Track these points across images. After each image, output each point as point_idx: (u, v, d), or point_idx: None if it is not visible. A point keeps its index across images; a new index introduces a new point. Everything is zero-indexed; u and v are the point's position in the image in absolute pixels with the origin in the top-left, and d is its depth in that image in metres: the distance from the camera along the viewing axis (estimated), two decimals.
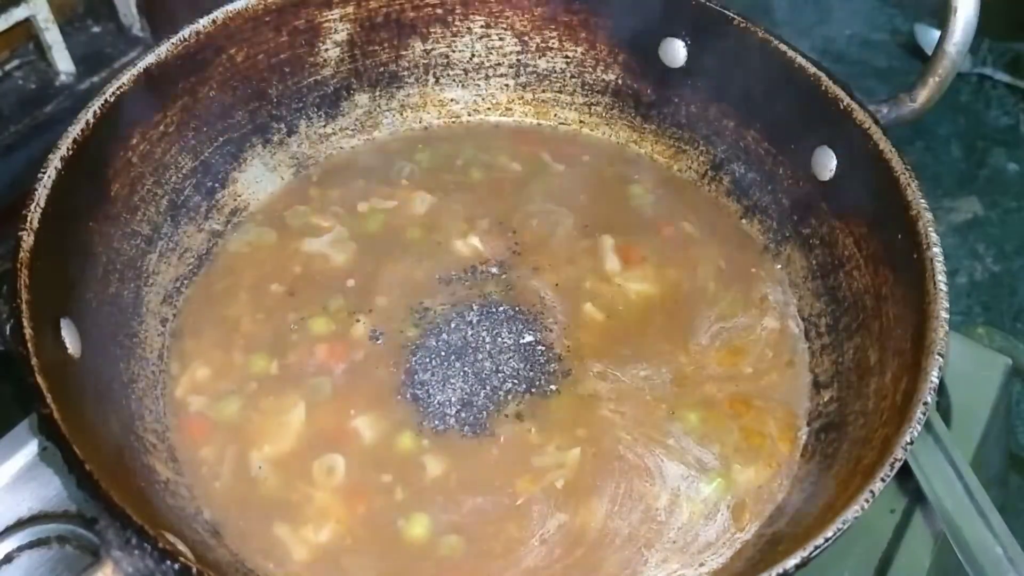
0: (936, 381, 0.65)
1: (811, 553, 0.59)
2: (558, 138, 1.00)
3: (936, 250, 0.71)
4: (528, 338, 0.82)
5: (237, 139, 0.91)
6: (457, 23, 0.97)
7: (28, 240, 0.68)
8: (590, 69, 0.99)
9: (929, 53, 0.81)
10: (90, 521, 0.74)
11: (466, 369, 0.79)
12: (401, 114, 1.00)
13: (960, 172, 1.77)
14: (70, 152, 0.73)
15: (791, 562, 0.58)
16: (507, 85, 1.00)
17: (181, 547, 0.60)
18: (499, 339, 0.81)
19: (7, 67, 1.06)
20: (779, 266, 0.89)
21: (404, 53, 0.97)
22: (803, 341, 0.84)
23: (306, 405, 0.78)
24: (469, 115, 1.01)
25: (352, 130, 0.98)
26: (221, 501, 0.73)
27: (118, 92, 0.78)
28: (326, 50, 0.94)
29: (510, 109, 1.01)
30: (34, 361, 0.62)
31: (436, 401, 0.77)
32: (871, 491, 0.61)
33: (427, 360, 0.80)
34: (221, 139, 0.90)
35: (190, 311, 0.84)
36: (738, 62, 0.88)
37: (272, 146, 0.94)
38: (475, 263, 0.88)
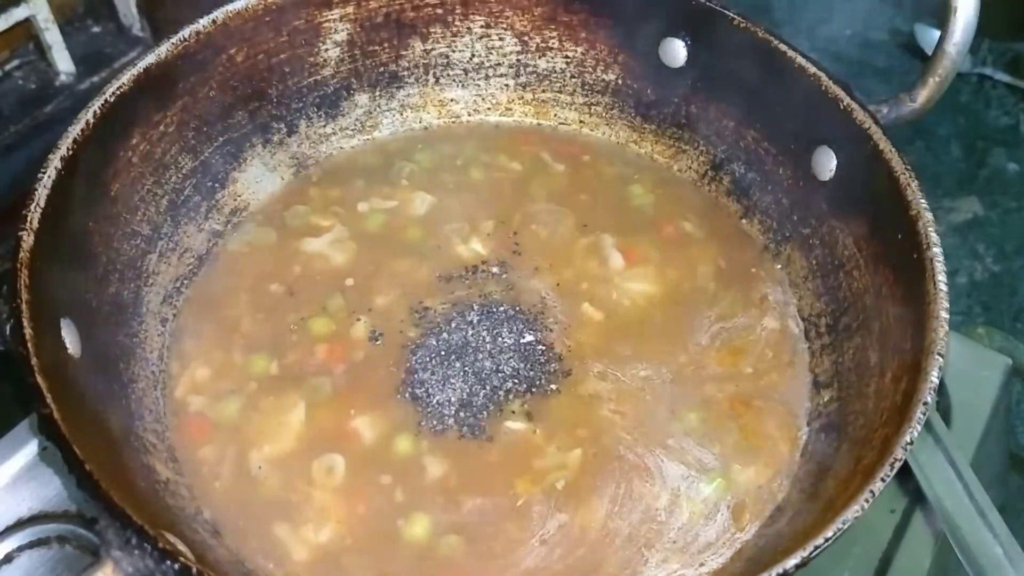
0: (936, 381, 0.65)
1: (811, 553, 0.59)
2: (558, 138, 1.00)
3: (936, 250, 0.71)
4: (528, 338, 0.82)
5: (237, 139, 0.91)
6: (457, 23, 0.97)
7: (28, 240, 0.68)
8: (590, 69, 0.99)
9: (929, 53, 0.81)
10: (90, 521, 0.74)
11: (466, 369, 0.79)
12: (401, 114, 1.00)
13: (960, 172, 1.77)
14: (70, 152, 0.73)
15: (791, 562, 0.58)
16: (507, 85, 1.00)
17: (181, 547, 0.60)
18: (499, 339, 0.81)
19: (7, 67, 1.06)
20: (779, 266, 0.89)
21: (404, 53, 0.97)
22: (803, 341, 0.84)
23: (306, 405, 0.78)
24: (469, 115, 1.01)
25: (352, 130, 0.98)
26: (221, 501, 0.73)
27: (118, 92, 0.78)
28: (326, 50, 0.94)
29: (510, 109, 1.01)
30: (34, 361, 0.62)
31: (436, 400, 0.77)
32: (871, 491, 0.61)
33: (427, 360, 0.80)
34: (221, 139, 0.90)
35: (190, 311, 0.84)
36: (738, 62, 0.88)
37: (272, 146, 0.94)
38: (475, 263, 0.88)
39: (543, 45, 0.98)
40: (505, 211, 0.92)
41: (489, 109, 1.01)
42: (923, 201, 0.74)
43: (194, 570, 0.56)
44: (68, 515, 0.76)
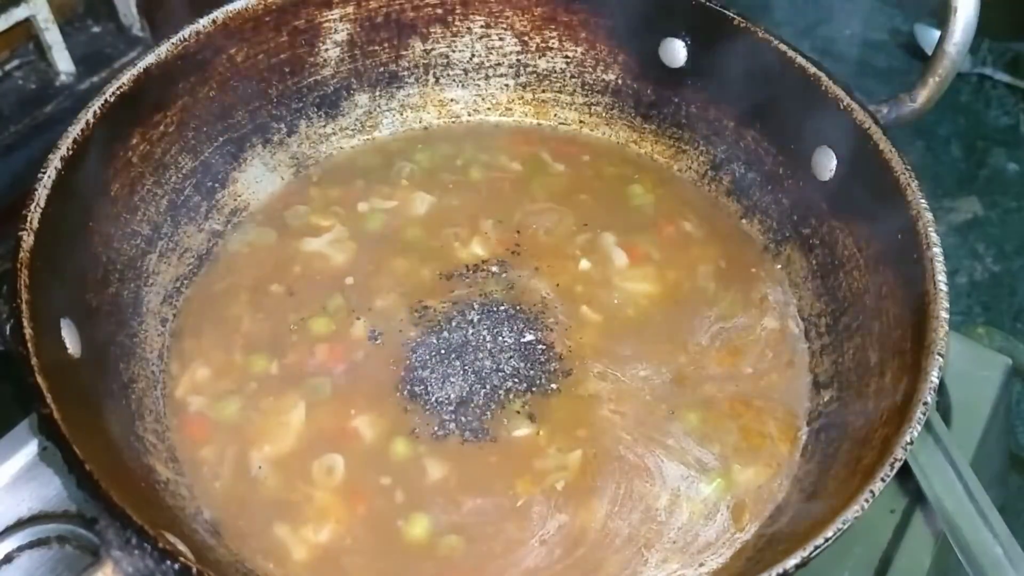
0: (936, 381, 0.65)
1: (811, 553, 0.59)
2: (558, 138, 1.00)
3: (936, 250, 0.71)
4: (529, 337, 0.82)
5: (237, 139, 0.91)
6: (457, 23, 0.97)
7: (28, 240, 0.68)
8: (590, 69, 0.99)
9: (929, 53, 0.81)
10: (90, 521, 0.74)
11: (466, 368, 0.79)
12: (401, 114, 1.00)
13: (960, 172, 1.77)
14: (70, 152, 0.73)
15: (791, 562, 0.58)
16: (507, 85, 1.00)
17: (181, 547, 0.60)
18: (500, 338, 0.81)
19: (7, 67, 1.06)
20: (779, 266, 0.89)
21: (404, 53, 0.97)
22: (803, 341, 0.84)
23: (306, 405, 0.78)
24: (469, 115, 1.01)
25: (352, 130, 0.98)
26: (221, 501, 0.73)
27: (118, 92, 0.78)
28: (326, 50, 0.94)
29: (510, 109, 1.01)
30: (34, 361, 0.62)
31: (435, 399, 0.77)
32: (871, 491, 0.61)
33: (427, 358, 0.80)
34: (221, 139, 0.90)
35: (190, 311, 0.84)
36: (738, 62, 0.88)
37: (272, 146, 0.94)
38: (475, 263, 0.88)
39: (543, 45, 0.98)
40: (505, 211, 0.92)
41: (489, 109, 1.01)
42: (923, 201, 0.74)
43: (194, 570, 0.56)
44: (68, 515, 0.76)
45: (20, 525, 0.75)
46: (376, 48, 0.96)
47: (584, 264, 0.88)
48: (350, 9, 0.93)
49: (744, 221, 0.93)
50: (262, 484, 0.74)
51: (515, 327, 0.82)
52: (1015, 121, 1.84)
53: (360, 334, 0.82)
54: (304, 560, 0.70)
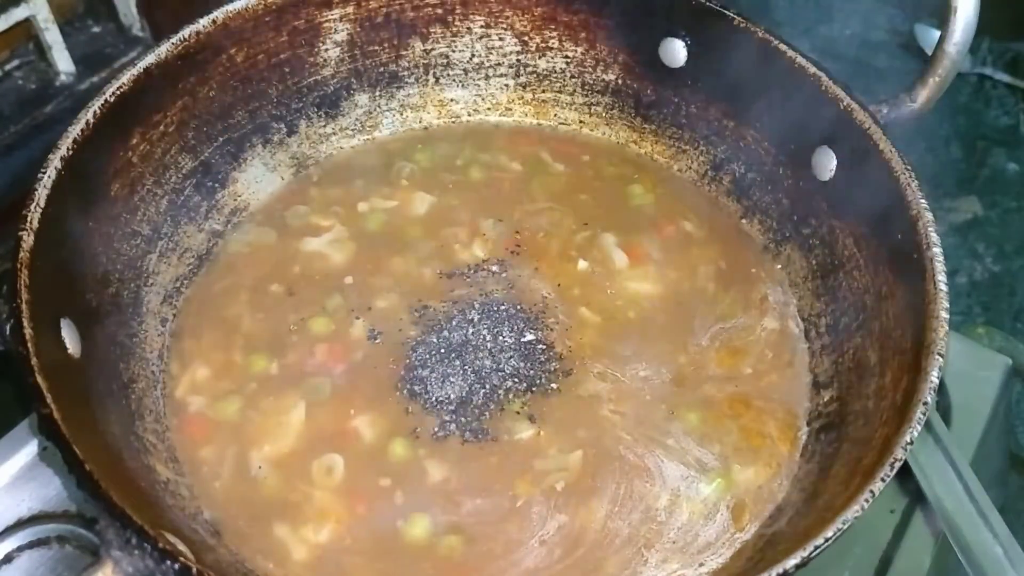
0: (936, 381, 0.65)
1: (811, 553, 0.59)
2: (558, 138, 1.00)
3: (936, 250, 0.71)
4: (529, 337, 0.82)
5: (237, 139, 0.91)
6: (457, 23, 0.97)
7: (28, 240, 0.68)
8: (590, 69, 0.99)
9: (929, 53, 0.81)
10: (90, 521, 0.74)
11: (466, 367, 0.79)
12: (401, 114, 1.00)
13: (960, 172, 1.77)
14: (70, 152, 0.73)
15: (791, 562, 0.58)
16: (507, 85, 1.00)
17: (181, 547, 0.60)
18: (500, 337, 0.81)
19: (7, 67, 1.06)
20: (779, 266, 0.89)
21: (404, 53, 0.97)
22: (803, 341, 0.84)
23: (306, 405, 0.78)
24: (469, 115, 1.01)
25: (352, 130, 0.98)
26: (221, 501, 0.73)
27: (118, 92, 0.78)
28: (326, 50, 0.94)
29: (510, 109, 1.01)
30: (34, 361, 0.62)
31: (435, 399, 0.78)
32: (871, 491, 0.61)
33: (427, 357, 0.80)
34: (221, 139, 0.90)
35: (190, 311, 0.84)
36: (738, 62, 0.88)
37: (272, 146, 0.94)
38: (476, 262, 0.88)
39: (543, 45, 0.98)
40: (505, 211, 0.92)
41: (489, 109, 1.01)
42: (923, 201, 0.74)
43: (194, 570, 0.56)
44: (68, 515, 0.76)
45: (20, 525, 0.75)
46: (376, 48, 0.96)
47: (584, 264, 0.88)
48: (350, 9, 0.93)
49: (744, 221, 0.93)
50: (262, 484, 0.74)
51: (515, 327, 0.82)
52: (1015, 121, 1.83)
53: (360, 334, 0.82)
54: (304, 560, 0.70)
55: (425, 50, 0.98)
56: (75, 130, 0.75)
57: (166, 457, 0.74)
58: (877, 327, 0.77)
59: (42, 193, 0.70)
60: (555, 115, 1.01)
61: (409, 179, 0.95)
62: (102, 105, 0.77)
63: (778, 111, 0.88)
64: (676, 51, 0.93)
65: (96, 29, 1.12)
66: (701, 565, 0.71)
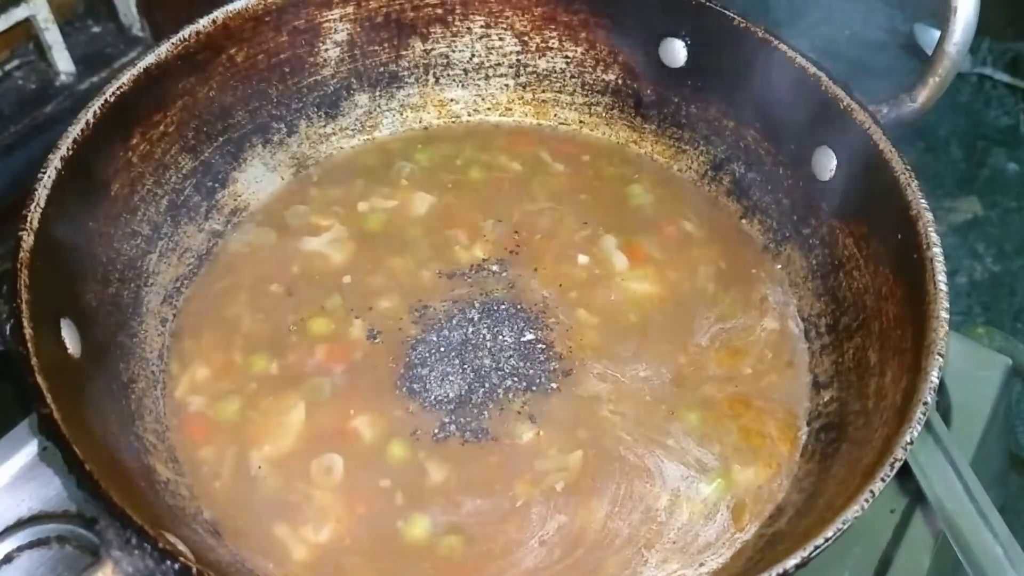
0: (936, 381, 0.65)
1: (811, 553, 0.59)
2: (558, 138, 1.00)
3: (936, 250, 0.71)
4: (529, 336, 0.82)
5: (237, 139, 0.91)
6: (457, 23, 0.97)
7: (28, 240, 0.68)
8: (590, 69, 0.99)
9: (929, 53, 0.81)
10: (90, 521, 0.74)
11: (465, 366, 0.79)
12: (401, 114, 1.00)
13: (960, 172, 1.77)
14: (70, 152, 0.73)
15: (791, 562, 0.58)
16: (507, 85, 1.00)
17: (181, 547, 0.60)
18: (500, 337, 0.81)
19: (7, 67, 1.06)
20: (779, 266, 0.89)
21: (404, 53, 0.97)
22: (803, 341, 0.84)
23: (306, 405, 0.78)
24: (469, 115, 1.01)
25: (352, 130, 0.98)
26: (221, 501, 0.73)
27: (118, 92, 0.78)
28: (326, 50, 0.94)
29: (510, 109, 1.01)
30: (34, 361, 0.62)
31: (435, 397, 0.78)
32: (871, 491, 0.61)
33: (427, 355, 0.80)
34: (221, 139, 0.90)
35: (190, 311, 0.84)
36: (738, 62, 0.88)
37: (272, 146, 0.94)
38: (476, 262, 0.88)
39: (543, 45, 0.98)
40: (505, 211, 0.92)
41: (489, 109, 1.01)
42: (923, 201, 0.74)
43: (194, 570, 0.56)
44: (68, 515, 0.76)
45: (20, 525, 0.75)
46: (376, 48, 0.96)
47: (584, 264, 0.88)
48: (350, 9, 0.93)
49: (744, 221, 0.93)
50: (262, 484, 0.74)
51: (515, 326, 0.82)
52: (1015, 121, 1.83)
53: (359, 333, 0.82)
54: (304, 560, 0.70)
55: (425, 50, 0.98)
56: (75, 130, 0.75)
57: (166, 457, 0.74)
58: (877, 327, 0.77)
59: (42, 193, 0.70)
60: (555, 115, 1.01)
61: (409, 179, 0.95)
62: (102, 105, 0.77)
63: (778, 111, 0.88)
64: (676, 51, 0.93)
65: (96, 29, 1.12)
66: (701, 565, 0.71)
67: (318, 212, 0.91)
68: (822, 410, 0.79)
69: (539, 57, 0.99)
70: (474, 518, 0.72)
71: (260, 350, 0.81)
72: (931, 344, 0.67)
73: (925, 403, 0.64)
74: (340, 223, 0.90)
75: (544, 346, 0.81)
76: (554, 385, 0.79)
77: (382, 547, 0.71)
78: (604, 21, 0.96)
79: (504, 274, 0.87)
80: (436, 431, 0.76)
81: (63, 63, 1.06)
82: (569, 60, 0.99)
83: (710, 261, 0.89)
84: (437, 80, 0.99)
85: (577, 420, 0.78)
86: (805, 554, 0.59)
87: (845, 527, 0.60)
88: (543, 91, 1.00)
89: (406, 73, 0.98)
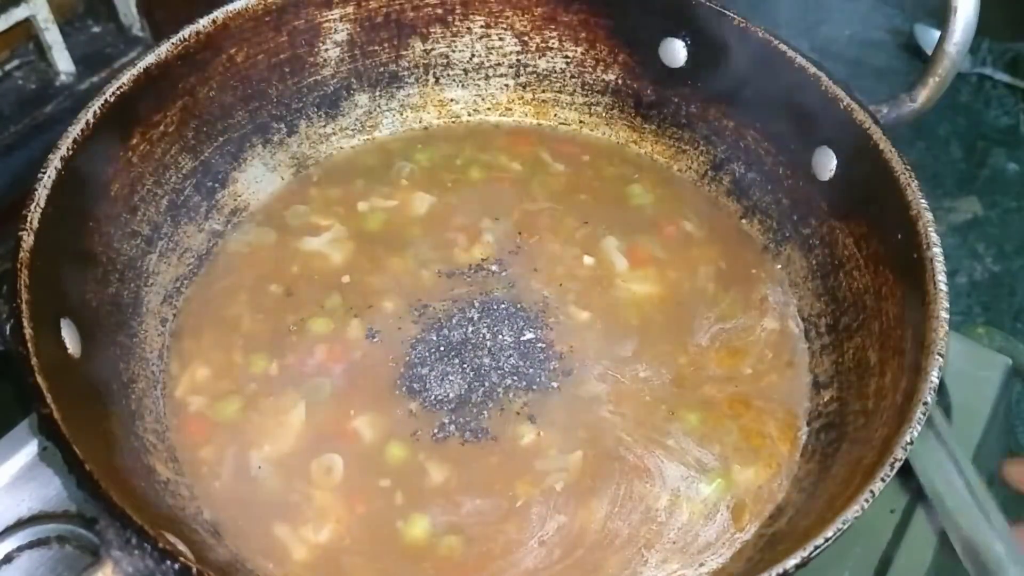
0: (936, 381, 0.65)
1: (811, 553, 0.59)
2: (558, 138, 1.00)
3: (936, 250, 0.71)
4: (528, 335, 0.82)
5: (237, 139, 0.91)
6: (457, 23, 0.97)
7: (28, 240, 0.68)
8: (590, 69, 0.99)
9: (929, 53, 0.81)
10: (90, 521, 0.74)
11: (465, 365, 0.79)
12: (401, 114, 1.00)
13: (960, 172, 1.77)
14: (70, 152, 0.73)
15: (791, 562, 0.58)
16: (507, 85, 1.00)
17: (181, 547, 0.60)
18: (499, 336, 0.81)
19: (7, 67, 1.06)
20: (779, 266, 0.89)
21: (404, 53, 0.97)
22: (803, 341, 0.84)
23: (306, 405, 0.78)
24: (469, 115, 1.01)
25: (352, 130, 0.98)
26: (221, 501, 0.73)
27: (118, 92, 0.78)
28: (326, 50, 0.94)
29: (510, 109, 1.01)
30: (34, 361, 0.62)
31: (435, 396, 0.78)
32: (871, 491, 0.61)
33: (426, 355, 0.80)
34: (221, 139, 0.90)
35: (190, 311, 0.84)
36: (738, 62, 0.88)
37: (272, 146, 0.94)
38: (475, 262, 0.88)
39: (543, 45, 0.98)
40: (505, 211, 0.92)
41: (489, 109, 1.01)
42: (923, 201, 0.74)
43: (194, 570, 0.56)
44: (68, 515, 0.76)
45: (20, 525, 0.75)
46: (376, 48, 0.96)
47: (584, 264, 0.88)
48: (350, 9, 0.93)
49: (744, 221, 0.93)
50: (262, 484, 0.74)
51: (515, 325, 0.82)
52: (1015, 121, 1.83)
53: (359, 333, 0.82)
54: (304, 560, 0.70)
55: (425, 50, 0.98)
56: (75, 130, 0.75)
57: (166, 457, 0.74)
58: (877, 327, 0.77)
59: (42, 193, 0.70)
60: (555, 115, 1.01)
61: (409, 179, 0.95)
62: (102, 105, 0.77)
63: (778, 111, 0.88)
64: (676, 51, 0.93)
65: (96, 29, 1.12)
66: (701, 565, 0.71)
67: (318, 212, 0.91)
68: (822, 410, 0.79)
69: (539, 57, 0.99)
70: (474, 518, 0.72)
71: (260, 350, 0.81)
72: (931, 344, 0.67)
73: (925, 403, 0.64)
74: (340, 223, 0.90)
75: (544, 345, 0.82)
76: (554, 384, 0.79)
77: (382, 547, 0.71)
78: (604, 21, 0.96)
79: (504, 274, 0.87)
80: (436, 431, 0.76)
81: (63, 63, 1.06)
82: (569, 60, 0.99)
83: (710, 261, 0.89)
84: (437, 80, 1.00)
85: (577, 420, 0.78)
86: (805, 554, 0.59)
87: (845, 527, 0.60)
88: (543, 91, 1.00)
89: (406, 73, 0.98)
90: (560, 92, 1.00)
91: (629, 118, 0.99)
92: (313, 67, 0.94)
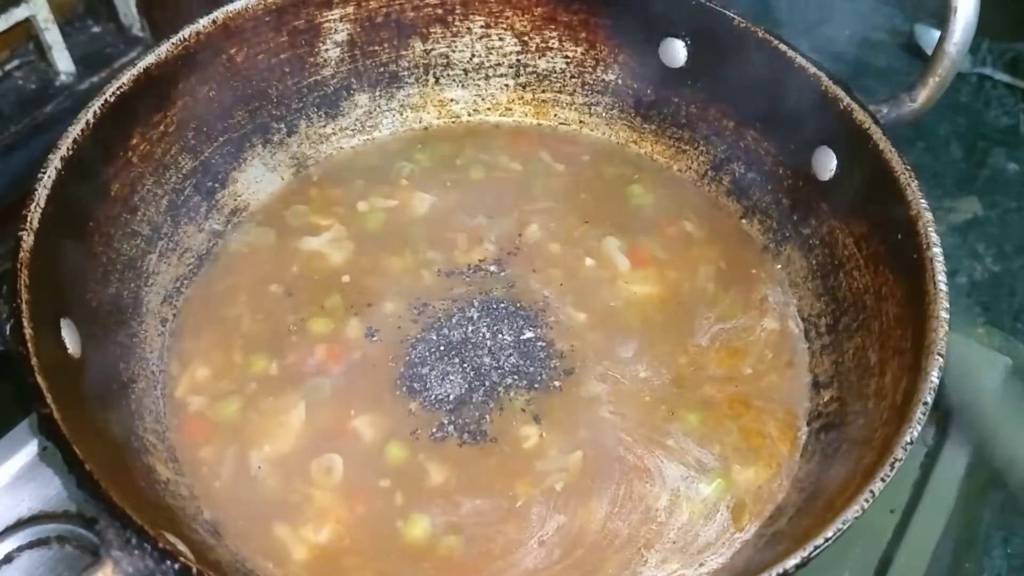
0: (936, 381, 0.65)
1: (811, 553, 0.59)
2: (558, 138, 1.00)
3: (936, 250, 0.71)
4: (528, 335, 0.82)
5: (237, 139, 0.91)
6: (457, 23, 0.97)
7: (28, 240, 0.68)
8: (590, 69, 0.99)
9: (929, 53, 0.81)
10: (90, 521, 0.74)
11: (465, 364, 0.79)
12: (401, 114, 1.00)
13: (960, 172, 1.77)
14: (70, 152, 0.73)
15: (791, 562, 0.58)
16: (507, 85, 1.00)
17: (181, 547, 0.60)
18: (499, 335, 0.81)
19: (7, 67, 1.06)
20: (779, 266, 0.89)
21: (404, 53, 0.97)
22: (803, 341, 0.84)
23: (306, 405, 0.78)
24: (469, 115, 1.01)
25: (352, 130, 0.98)
26: (221, 501, 0.73)
27: (118, 92, 0.78)
28: (326, 50, 0.94)
29: (510, 109, 1.01)
30: (34, 361, 0.62)
31: (435, 396, 0.78)
32: (871, 491, 0.61)
33: (426, 354, 0.80)
34: (221, 139, 0.90)
35: (190, 311, 0.84)
36: (738, 62, 0.88)
37: (272, 146, 0.94)
38: (475, 262, 0.88)
39: (543, 45, 0.98)
40: (505, 211, 0.92)
41: (489, 109, 1.01)
42: (923, 201, 0.74)
43: (194, 570, 0.56)
44: (68, 515, 0.76)
45: (20, 525, 0.75)
46: (376, 48, 0.96)
47: (584, 264, 0.88)
48: (350, 9, 0.93)
49: (744, 221, 0.93)
50: (262, 484, 0.74)
51: (515, 325, 0.82)
52: (1015, 121, 1.83)
53: (358, 333, 0.82)
54: (304, 560, 0.70)
55: (425, 50, 0.98)
56: (75, 130, 0.75)
57: (166, 457, 0.74)
58: (877, 327, 0.77)
59: (42, 193, 0.70)
60: (555, 115, 1.01)
61: (409, 179, 0.95)
62: (102, 105, 0.77)
63: (778, 111, 0.88)
64: (676, 51, 0.93)
65: (96, 29, 1.12)
66: (701, 565, 0.71)
67: (318, 212, 0.91)
68: (822, 410, 0.79)
69: (539, 57, 0.99)
70: (474, 518, 0.72)
71: (260, 350, 0.81)
72: (931, 344, 0.67)
73: (925, 403, 0.64)
74: (340, 223, 0.90)
75: (544, 344, 0.82)
76: (556, 384, 0.79)
77: (382, 547, 0.71)
78: (604, 21, 0.96)
79: (503, 273, 0.87)
80: (436, 431, 0.76)
81: (63, 63, 1.06)
82: (569, 60, 0.99)
83: (710, 261, 0.89)
84: (437, 80, 1.00)
85: (577, 420, 0.78)
86: (805, 554, 0.59)
87: (845, 527, 0.60)
88: (543, 91, 1.00)
89: (406, 73, 0.98)
90: (560, 92, 1.00)
91: (629, 118, 0.99)
92: (313, 67, 0.94)
